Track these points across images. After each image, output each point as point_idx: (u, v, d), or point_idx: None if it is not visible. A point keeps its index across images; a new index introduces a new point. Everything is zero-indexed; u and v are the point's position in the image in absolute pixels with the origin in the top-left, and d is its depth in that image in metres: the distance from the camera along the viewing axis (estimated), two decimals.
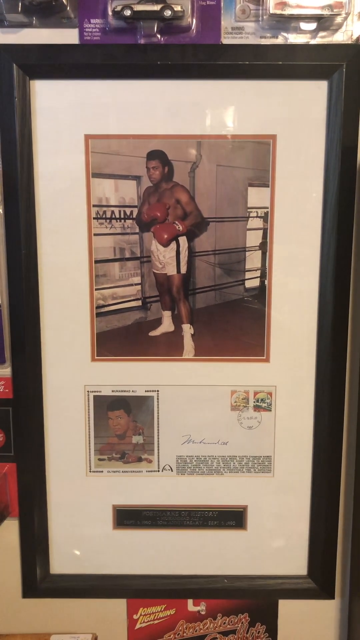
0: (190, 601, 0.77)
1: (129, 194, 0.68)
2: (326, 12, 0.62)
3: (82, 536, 0.75)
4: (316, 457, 0.73)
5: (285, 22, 0.63)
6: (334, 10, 0.62)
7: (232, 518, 0.75)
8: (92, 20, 0.65)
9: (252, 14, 0.64)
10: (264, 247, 0.69)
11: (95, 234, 0.69)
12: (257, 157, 0.67)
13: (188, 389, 0.72)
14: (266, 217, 0.68)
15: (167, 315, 0.71)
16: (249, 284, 0.70)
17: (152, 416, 0.73)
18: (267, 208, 0.68)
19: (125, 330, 0.71)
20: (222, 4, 0.64)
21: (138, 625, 0.77)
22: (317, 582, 0.75)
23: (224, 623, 0.77)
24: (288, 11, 0.62)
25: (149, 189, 0.68)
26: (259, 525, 0.75)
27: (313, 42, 0.65)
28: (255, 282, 0.70)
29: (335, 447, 0.71)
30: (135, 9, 0.62)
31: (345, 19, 0.64)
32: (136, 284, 0.70)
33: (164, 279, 0.71)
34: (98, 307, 0.70)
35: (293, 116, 0.66)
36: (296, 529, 0.75)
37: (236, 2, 0.64)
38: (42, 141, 0.67)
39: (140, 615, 0.77)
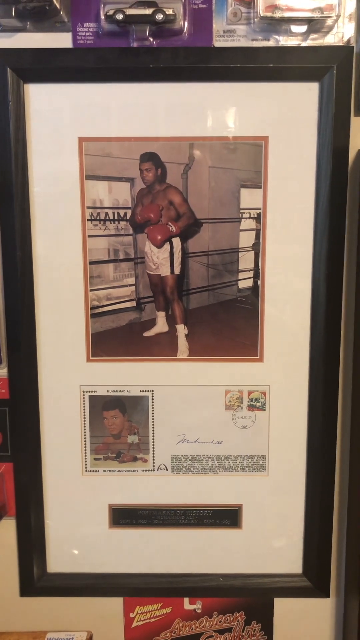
0: (186, 599, 0.77)
1: (122, 195, 0.69)
2: (317, 15, 0.63)
3: (79, 535, 0.76)
4: (310, 456, 0.73)
5: (276, 24, 0.64)
6: (325, 12, 0.62)
7: (227, 517, 0.75)
8: (85, 24, 0.65)
9: (244, 16, 0.65)
10: (257, 247, 0.70)
11: (89, 236, 0.70)
12: (249, 158, 0.68)
13: (182, 388, 0.73)
14: (259, 218, 0.69)
15: (161, 316, 0.72)
16: (242, 284, 0.71)
17: (147, 416, 0.73)
18: (260, 209, 0.69)
19: (120, 330, 0.72)
20: (213, 7, 0.65)
21: (134, 624, 0.78)
22: (312, 580, 0.75)
23: (220, 621, 0.78)
24: (278, 14, 0.62)
25: (143, 191, 0.69)
26: (254, 524, 0.75)
27: (304, 44, 0.65)
28: (249, 283, 0.70)
29: (329, 446, 0.72)
30: (127, 13, 0.63)
31: (336, 21, 0.64)
32: (130, 285, 0.71)
33: (157, 280, 0.71)
34: (93, 307, 0.71)
35: (285, 118, 0.67)
36: (291, 528, 0.75)
37: (227, 5, 0.65)
38: (36, 144, 0.68)
39: (137, 613, 0.78)
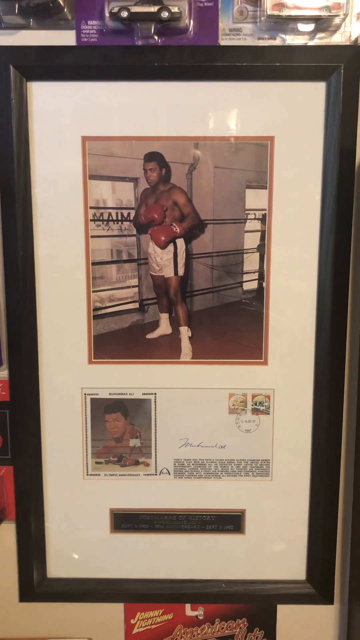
0: (188, 606, 0.76)
1: (126, 195, 0.68)
2: (324, 13, 0.62)
3: (79, 540, 0.75)
4: (315, 461, 0.72)
5: (283, 23, 0.63)
6: (332, 11, 0.62)
7: (230, 522, 0.74)
8: (90, 22, 0.64)
9: (250, 15, 0.64)
10: (262, 249, 0.69)
11: (92, 236, 0.69)
12: (255, 158, 0.67)
13: (186, 391, 0.72)
14: (264, 219, 0.68)
15: (164, 318, 0.71)
16: (247, 286, 0.70)
17: (149, 419, 0.72)
18: (265, 210, 0.68)
19: (123, 332, 0.71)
20: (219, 5, 0.64)
21: (135, 630, 0.77)
22: (316, 587, 0.74)
23: (222, 628, 0.77)
24: (285, 12, 0.61)
25: (147, 191, 0.68)
26: (257, 529, 0.74)
27: (311, 43, 0.64)
28: (253, 285, 0.70)
29: (334, 451, 0.71)
30: (132, 11, 0.62)
31: (343, 20, 0.63)
32: (133, 286, 0.70)
33: (161, 281, 0.70)
34: (95, 309, 0.70)
35: (291, 118, 0.66)
36: (295, 533, 0.74)
37: (234, 4, 0.64)
38: (39, 143, 0.67)
39: (138, 620, 0.76)
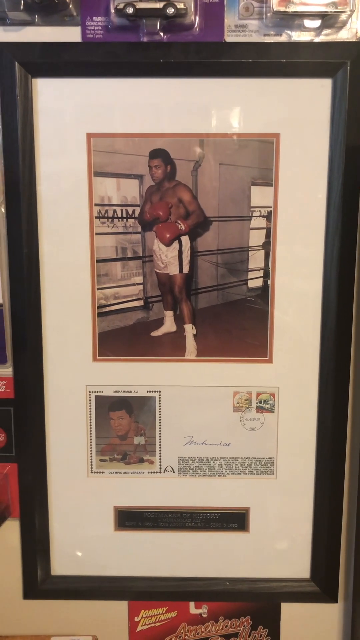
0: (192, 604, 0.76)
1: (131, 192, 0.68)
2: (330, 10, 0.61)
3: (83, 537, 0.75)
4: (319, 459, 0.72)
5: (289, 19, 0.63)
6: (339, 7, 0.61)
7: (234, 520, 0.74)
8: (95, 18, 0.64)
9: (256, 11, 0.64)
10: (267, 246, 0.68)
11: (97, 233, 0.69)
12: (260, 155, 0.67)
13: (190, 389, 0.71)
14: (269, 217, 0.68)
15: (169, 316, 0.70)
16: (251, 283, 0.69)
17: (154, 417, 0.72)
18: (271, 207, 0.68)
19: (127, 330, 0.70)
20: (225, 1, 0.63)
21: (139, 628, 0.77)
22: (320, 585, 0.74)
23: (226, 626, 0.77)
24: (292, 8, 0.61)
25: (151, 188, 0.68)
26: (262, 527, 0.74)
27: (317, 39, 0.64)
28: (258, 282, 0.69)
29: (339, 449, 0.71)
30: (137, 7, 0.61)
31: (350, 16, 0.63)
32: (138, 284, 0.70)
33: (166, 279, 0.70)
34: (100, 306, 0.70)
35: (297, 115, 0.65)
36: (299, 532, 0.74)
37: (240, 0, 0.64)
38: (44, 140, 0.66)
39: (142, 617, 0.76)
